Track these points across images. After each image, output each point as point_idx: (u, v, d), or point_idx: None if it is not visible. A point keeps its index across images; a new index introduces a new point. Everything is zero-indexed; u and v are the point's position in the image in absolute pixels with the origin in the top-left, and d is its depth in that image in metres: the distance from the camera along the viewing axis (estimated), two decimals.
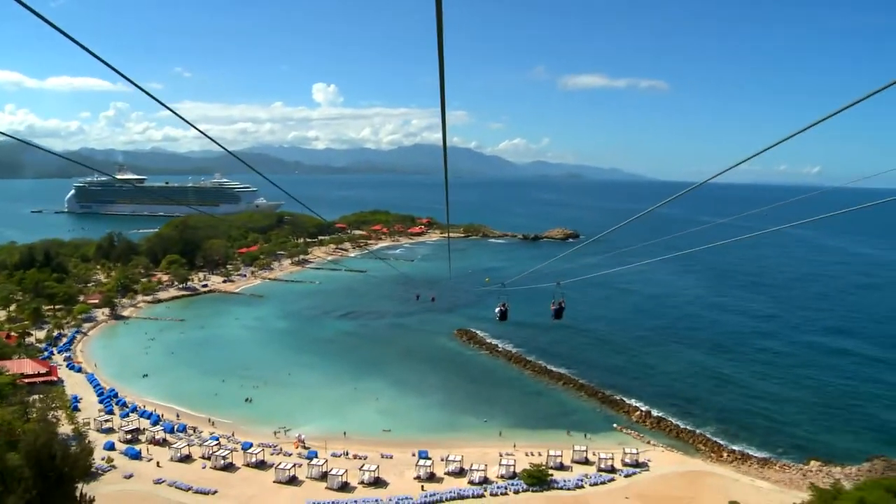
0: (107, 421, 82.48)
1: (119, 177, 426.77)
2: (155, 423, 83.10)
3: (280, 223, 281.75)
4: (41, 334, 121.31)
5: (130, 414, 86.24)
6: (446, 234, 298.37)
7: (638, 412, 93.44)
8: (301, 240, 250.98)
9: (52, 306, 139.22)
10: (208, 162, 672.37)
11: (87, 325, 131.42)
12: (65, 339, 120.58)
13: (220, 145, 17.78)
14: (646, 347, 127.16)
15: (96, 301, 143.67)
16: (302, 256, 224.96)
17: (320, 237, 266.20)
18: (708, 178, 17.99)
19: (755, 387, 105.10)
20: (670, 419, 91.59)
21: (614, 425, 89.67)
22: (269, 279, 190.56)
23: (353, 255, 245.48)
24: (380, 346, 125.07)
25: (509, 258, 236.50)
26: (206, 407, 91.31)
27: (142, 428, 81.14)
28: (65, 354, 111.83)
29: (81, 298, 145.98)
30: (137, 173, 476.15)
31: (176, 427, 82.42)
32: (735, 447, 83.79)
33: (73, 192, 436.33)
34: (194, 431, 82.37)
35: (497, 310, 46.04)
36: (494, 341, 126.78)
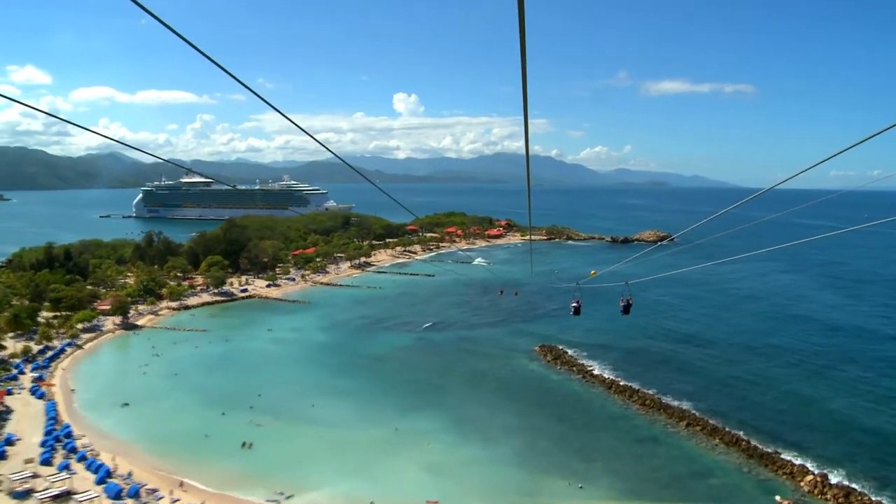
0: (31, 478, 57.00)
1: (185, 180, 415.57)
2: (101, 482, 57.44)
3: (346, 225, 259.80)
4: (23, 346, 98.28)
5: (73, 465, 60.70)
6: (526, 237, 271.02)
7: (810, 477, 61.85)
8: (366, 242, 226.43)
9: (57, 312, 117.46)
10: (291, 172, 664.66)
11: (86, 336, 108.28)
12: (50, 354, 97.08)
13: (332, 152, 20.56)
14: (785, 370, 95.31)
15: (107, 307, 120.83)
16: (364, 259, 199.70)
17: (388, 239, 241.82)
18: (778, 182, 19.91)
19: None
20: (865, 489, 60.07)
21: (777, 498, 59.00)
22: (322, 283, 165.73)
23: (422, 257, 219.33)
24: (440, 367, 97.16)
25: (598, 261, 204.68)
26: (185, 454, 65.54)
27: (76, 490, 55.32)
28: (37, 374, 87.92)
29: (97, 304, 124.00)
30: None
31: (125, 491, 56.10)
32: None
33: (140, 196, 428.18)
34: (150, 496, 55.91)
35: (572, 305, 47.04)
36: (588, 362, 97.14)
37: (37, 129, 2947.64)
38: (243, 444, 67.30)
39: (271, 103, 12.85)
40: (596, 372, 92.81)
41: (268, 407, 78.02)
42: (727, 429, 71.92)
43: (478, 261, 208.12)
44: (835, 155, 14.40)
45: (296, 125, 14.16)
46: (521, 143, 11.77)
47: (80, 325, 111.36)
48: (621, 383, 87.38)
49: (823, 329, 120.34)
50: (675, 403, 79.88)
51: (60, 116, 12.54)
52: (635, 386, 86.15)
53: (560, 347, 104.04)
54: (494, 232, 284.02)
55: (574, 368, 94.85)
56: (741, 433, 70.60)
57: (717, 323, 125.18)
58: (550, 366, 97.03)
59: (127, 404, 79.17)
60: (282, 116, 13.39)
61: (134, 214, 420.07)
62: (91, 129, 14.37)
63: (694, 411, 77.16)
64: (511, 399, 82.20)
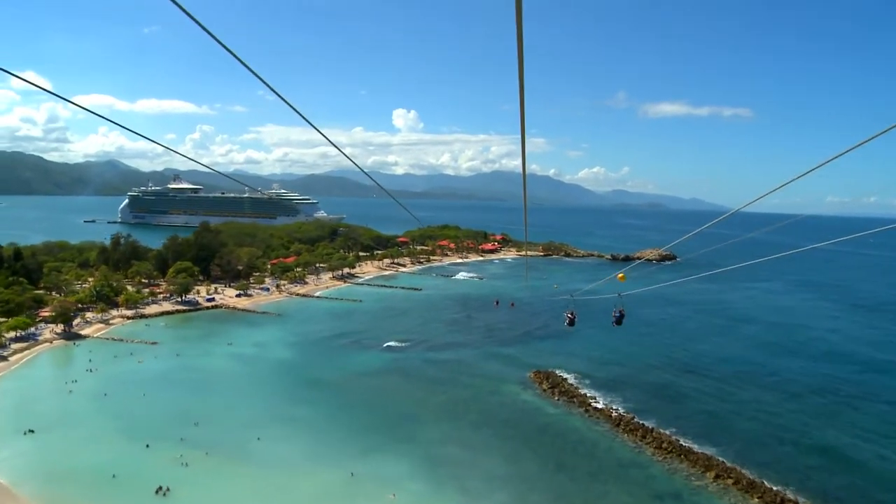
0: None
1: (172, 186, 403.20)
2: None
3: (333, 235, 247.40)
4: None
5: None
6: (522, 252, 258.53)
7: None
8: (352, 253, 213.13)
9: None
10: (289, 185, 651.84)
11: (15, 347, 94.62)
12: None
13: (349, 158, 18.49)
14: (820, 404, 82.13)
15: (48, 314, 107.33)
16: (347, 270, 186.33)
17: (377, 251, 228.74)
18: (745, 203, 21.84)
19: None
20: None
21: None
22: (299, 294, 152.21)
23: (410, 270, 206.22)
24: (415, 394, 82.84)
25: (598, 278, 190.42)
26: (80, 501, 51.64)
27: None
28: None
29: (40, 310, 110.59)
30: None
31: None
32: None
33: (126, 201, 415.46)
34: None
35: (566, 315, 46.67)
36: (590, 392, 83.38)
37: (36, 134, 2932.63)
38: (158, 490, 53.34)
39: (304, 114, 12.40)
40: (600, 405, 78.83)
41: (203, 439, 64.10)
42: (767, 484, 57.80)
43: (460, 275, 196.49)
44: (778, 188, 16.62)
45: (326, 138, 14.25)
46: (520, 162, 11.19)
47: (10, 334, 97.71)
48: (632, 420, 73.51)
49: (853, 360, 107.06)
50: (698, 448, 65.81)
51: (85, 107, 12.23)
52: (648, 424, 72.22)
53: (558, 373, 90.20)
54: (489, 246, 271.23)
55: (575, 400, 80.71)
56: (786, 491, 56.47)
57: (730, 349, 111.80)
58: (547, 396, 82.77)
59: (32, 431, 65.28)
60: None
61: (119, 220, 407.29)
62: (108, 118, 12.71)
63: (721, 458, 63.08)
64: (498, 438, 68.01)
